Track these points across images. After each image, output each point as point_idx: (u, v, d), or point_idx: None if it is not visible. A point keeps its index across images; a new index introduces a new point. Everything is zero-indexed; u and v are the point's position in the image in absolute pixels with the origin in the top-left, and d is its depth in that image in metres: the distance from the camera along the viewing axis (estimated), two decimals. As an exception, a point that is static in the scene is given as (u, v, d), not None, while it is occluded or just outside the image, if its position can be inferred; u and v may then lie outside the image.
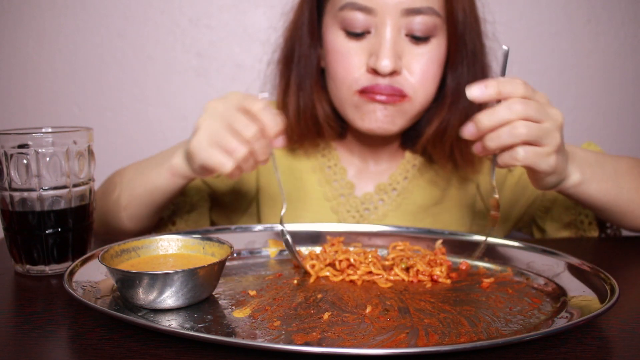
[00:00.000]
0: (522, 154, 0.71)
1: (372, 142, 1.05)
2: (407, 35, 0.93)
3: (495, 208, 0.77)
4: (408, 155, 1.07)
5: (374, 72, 0.92)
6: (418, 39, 0.93)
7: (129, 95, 1.52)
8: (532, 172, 0.77)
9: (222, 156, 0.74)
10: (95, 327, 0.60)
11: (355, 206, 1.05)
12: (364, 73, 0.94)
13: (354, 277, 0.74)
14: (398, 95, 0.93)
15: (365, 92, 0.94)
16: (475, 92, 0.71)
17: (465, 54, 0.97)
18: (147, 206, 0.93)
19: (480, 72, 1.00)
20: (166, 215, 1.05)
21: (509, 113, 0.69)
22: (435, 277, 0.74)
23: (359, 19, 0.92)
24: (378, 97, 0.93)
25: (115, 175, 1.00)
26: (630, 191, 0.89)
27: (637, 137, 1.58)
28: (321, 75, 1.02)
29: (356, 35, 0.93)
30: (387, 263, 0.78)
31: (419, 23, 0.91)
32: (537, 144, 0.71)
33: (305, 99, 1.01)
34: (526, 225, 1.13)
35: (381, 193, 1.06)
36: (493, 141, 0.71)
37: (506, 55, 0.73)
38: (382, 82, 0.92)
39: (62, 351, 0.56)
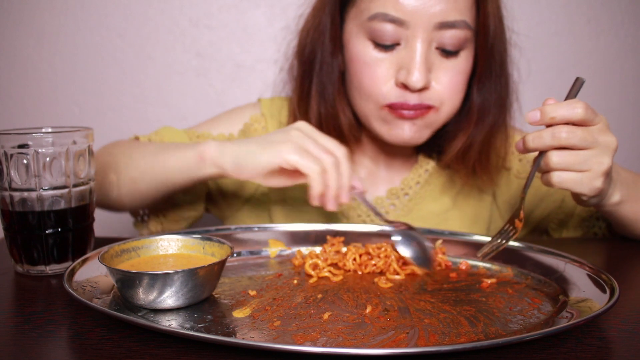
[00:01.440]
0: (556, 179, 0.74)
1: (388, 147, 1.04)
2: (437, 48, 0.90)
3: (522, 217, 0.78)
4: (421, 159, 1.06)
5: (404, 86, 0.90)
6: (448, 53, 0.90)
7: (129, 95, 1.52)
8: (573, 193, 0.79)
9: (310, 162, 0.77)
10: (95, 327, 0.60)
11: (365, 210, 1.03)
12: (393, 87, 0.91)
13: (370, 269, 0.77)
14: (425, 108, 0.92)
15: (394, 108, 0.91)
16: (531, 117, 0.74)
17: (493, 67, 0.95)
18: (157, 187, 0.91)
19: (505, 84, 0.98)
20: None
21: (552, 140, 0.72)
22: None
23: (389, 30, 0.88)
24: (407, 113, 0.91)
25: (114, 148, 0.97)
26: None
27: (637, 137, 1.58)
28: (342, 83, 0.99)
29: (385, 47, 0.90)
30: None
31: (451, 37, 0.88)
32: (575, 170, 0.73)
33: (327, 107, 0.98)
34: (538, 234, 1.12)
35: (392, 198, 1.04)
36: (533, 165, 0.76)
37: (580, 85, 0.76)
38: (412, 98, 0.90)
39: (62, 351, 0.56)
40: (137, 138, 1.05)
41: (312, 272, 0.75)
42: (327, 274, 0.75)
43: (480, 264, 0.80)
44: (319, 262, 0.77)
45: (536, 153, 0.76)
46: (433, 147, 1.03)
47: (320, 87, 0.98)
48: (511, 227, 0.79)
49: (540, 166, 0.75)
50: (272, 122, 1.07)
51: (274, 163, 0.79)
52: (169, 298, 0.62)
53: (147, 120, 1.53)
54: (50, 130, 0.79)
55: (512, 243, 0.82)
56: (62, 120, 1.49)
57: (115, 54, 1.50)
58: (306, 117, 1.00)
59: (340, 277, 0.75)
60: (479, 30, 0.92)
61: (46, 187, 0.75)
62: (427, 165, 1.05)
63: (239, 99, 1.49)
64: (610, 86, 1.54)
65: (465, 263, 0.80)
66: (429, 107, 0.92)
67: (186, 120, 1.52)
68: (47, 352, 0.55)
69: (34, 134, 0.75)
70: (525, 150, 0.75)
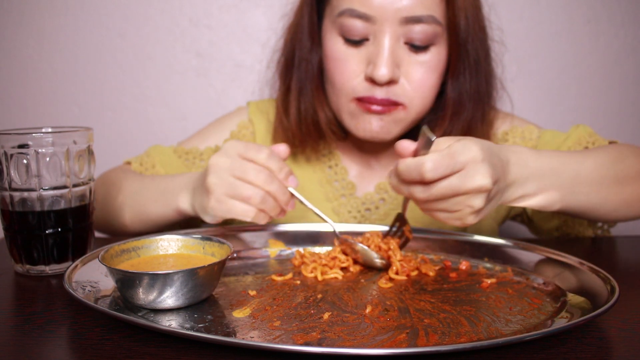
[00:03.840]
0: (428, 214, 0.72)
1: (373, 144, 1.05)
2: (406, 43, 0.91)
3: (410, 230, 0.80)
4: None
5: (372, 81, 0.91)
6: (417, 48, 0.91)
7: (129, 95, 1.52)
8: None
9: (242, 205, 0.77)
10: (95, 327, 0.60)
11: (356, 206, 1.05)
12: (362, 81, 0.93)
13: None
14: (393, 105, 0.93)
15: (362, 101, 0.93)
16: (400, 147, 0.69)
17: (467, 63, 0.95)
18: (151, 228, 0.96)
19: (485, 81, 0.98)
20: None
21: (411, 197, 0.69)
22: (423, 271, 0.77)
23: (357, 26, 0.90)
24: (373, 108, 0.93)
25: (115, 181, 0.99)
26: (589, 195, 0.81)
27: (637, 137, 1.57)
28: (322, 79, 1.02)
29: (354, 42, 0.92)
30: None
31: (419, 32, 0.89)
32: (441, 211, 0.69)
33: (306, 103, 1.01)
34: (519, 215, 1.11)
35: (382, 192, 1.05)
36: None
37: (427, 141, 0.66)
38: (379, 92, 0.92)
39: (62, 351, 0.56)
40: (128, 163, 1.08)
41: (317, 275, 0.75)
42: (332, 275, 0.76)
43: (481, 263, 0.80)
44: (318, 266, 0.77)
45: None
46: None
47: (300, 84, 1.01)
48: (401, 234, 0.80)
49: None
50: (260, 125, 1.10)
51: (220, 218, 0.81)
52: (169, 298, 0.62)
53: (147, 120, 1.53)
54: (50, 130, 0.79)
55: (512, 243, 0.82)
56: (62, 120, 1.49)
57: (115, 54, 1.50)
58: (287, 115, 1.02)
59: (340, 275, 0.75)
60: (449, 26, 0.92)
61: (46, 187, 0.75)
62: None
63: (239, 99, 1.49)
64: (610, 86, 1.54)
65: (466, 263, 0.80)
66: (396, 104, 0.93)
67: (186, 120, 1.52)
68: (47, 352, 0.55)
69: (34, 134, 0.75)
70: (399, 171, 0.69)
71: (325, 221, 0.82)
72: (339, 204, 1.05)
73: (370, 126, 0.94)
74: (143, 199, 0.94)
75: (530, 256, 0.79)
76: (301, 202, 0.81)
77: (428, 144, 0.65)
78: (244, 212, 0.77)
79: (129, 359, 0.53)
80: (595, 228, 1.03)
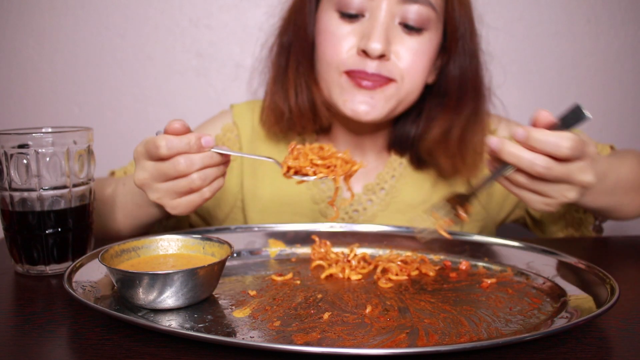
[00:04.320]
0: (515, 190, 0.72)
1: (359, 141, 1.05)
2: (400, 23, 0.93)
3: (468, 211, 0.75)
4: (394, 153, 1.07)
5: (364, 53, 0.92)
6: (410, 29, 0.93)
7: (129, 95, 1.52)
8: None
9: (193, 196, 0.75)
10: (95, 327, 0.60)
11: (343, 208, 1.04)
12: (353, 54, 0.93)
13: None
14: (384, 80, 0.93)
15: (352, 75, 0.93)
16: (518, 136, 0.68)
17: (463, 55, 0.97)
18: (143, 227, 0.95)
19: (475, 74, 0.99)
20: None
21: (527, 166, 0.68)
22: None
23: (355, 1, 0.92)
24: (364, 83, 0.93)
25: (105, 187, 0.98)
26: (621, 197, 0.91)
27: (637, 137, 1.57)
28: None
29: (350, 16, 0.93)
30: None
31: (414, 13, 0.91)
32: (537, 193, 0.71)
33: (302, 84, 1.00)
34: (521, 217, 1.12)
35: (369, 193, 1.05)
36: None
37: (578, 116, 0.69)
38: (370, 66, 0.92)
39: (62, 351, 0.56)
40: (112, 173, 1.08)
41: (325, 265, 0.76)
42: (351, 275, 0.75)
43: (480, 263, 0.80)
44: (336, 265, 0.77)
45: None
46: (405, 145, 1.04)
47: (296, 63, 1.00)
48: (452, 216, 0.75)
49: (504, 173, 0.71)
50: (245, 128, 1.09)
51: (189, 213, 0.79)
52: (169, 298, 0.62)
53: (147, 120, 1.53)
54: (50, 130, 0.79)
55: (512, 243, 0.82)
56: (62, 120, 1.49)
57: (115, 54, 1.50)
58: (285, 93, 1.01)
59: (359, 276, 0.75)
60: (445, 16, 0.95)
61: (46, 187, 0.75)
62: (400, 159, 1.06)
63: (238, 99, 1.49)
64: (610, 86, 1.54)
65: (466, 263, 0.80)
66: (387, 79, 0.93)
67: (186, 120, 1.52)
68: (47, 352, 0.55)
69: (34, 134, 0.75)
70: (498, 155, 0.70)
71: (267, 160, 0.78)
72: (326, 206, 1.04)
73: (359, 106, 0.94)
74: (129, 207, 0.93)
75: (530, 256, 0.79)
76: (232, 154, 0.76)
77: (576, 119, 0.68)
78: (200, 197, 0.76)
79: (129, 359, 0.53)
80: (600, 231, 1.05)
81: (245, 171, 1.07)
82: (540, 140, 0.67)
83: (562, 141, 0.66)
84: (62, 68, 1.50)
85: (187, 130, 0.75)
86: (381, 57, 0.91)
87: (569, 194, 0.70)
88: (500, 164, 0.71)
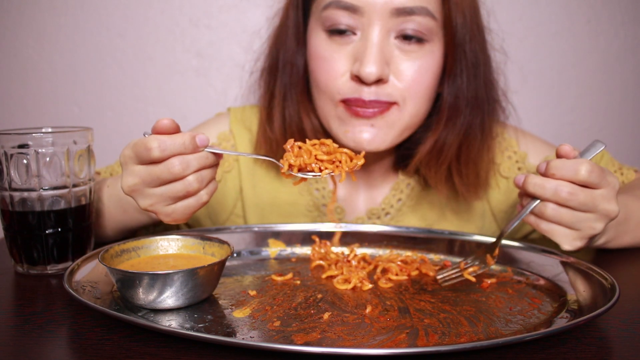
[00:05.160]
0: (544, 227, 0.74)
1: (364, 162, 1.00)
2: (397, 38, 0.84)
3: (496, 254, 0.76)
4: (401, 175, 1.00)
5: (358, 79, 0.84)
6: (409, 44, 0.84)
7: (129, 95, 1.52)
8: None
9: (189, 200, 0.69)
10: (95, 327, 0.60)
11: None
12: (347, 81, 0.85)
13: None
14: (384, 105, 0.85)
15: (349, 105, 0.86)
16: (539, 169, 0.74)
17: (465, 65, 0.88)
18: (129, 232, 0.92)
19: (484, 86, 0.91)
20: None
21: (553, 195, 0.71)
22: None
23: (343, 19, 0.83)
24: (362, 112, 0.85)
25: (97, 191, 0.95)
26: None
27: (637, 137, 1.57)
28: (308, 85, 0.94)
29: (339, 33, 0.85)
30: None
31: (412, 25, 0.82)
32: (565, 226, 0.73)
33: (290, 110, 0.93)
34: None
35: (373, 218, 0.99)
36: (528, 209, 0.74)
37: (597, 150, 0.75)
38: (367, 92, 0.84)
39: (62, 351, 0.56)
40: (97, 173, 1.02)
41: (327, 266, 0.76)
42: (358, 284, 0.73)
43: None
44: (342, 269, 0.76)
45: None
46: (409, 161, 0.96)
47: (284, 89, 0.93)
48: (479, 261, 0.76)
49: (531, 210, 0.73)
50: (242, 137, 1.02)
51: (183, 221, 0.73)
52: (169, 298, 0.62)
53: (147, 120, 1.53)
54: (50, 130, 0.79)
55: (512, 243, 0.82)
56: (62, 120, 1.49)
57: (115, 54, 1.50)
58: (270, 123, 0.94)
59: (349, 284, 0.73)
60: (445, 22, 0.86)
61: (46, 187, 0.75)
62: (408, 179, 0.99)
63: (239, 99, 1.49)
64: (610, 86, 1.54)
65: (466, 263, 0.80)
66: (388, 104, 0.85)
67: (186, 120, 1.52)
68: (47, 352, 0.55)
69: (34, 134, 0.75)
70: (523, 190, 0.74)
71: (265, 159, 0.75)
72: (325, 214, 0.99)
73: (361, 135, 0.86)
74: (113, 212, 0.88)
75: (530, 256, 0.79)
76: (227, 153, 0.71)
77: (594, 150, 0.74)
78: (197, 201, 0.68)
79: (129, 359, 0.53)
80: None
81: (244, 175, 1.02)
82: (560, 167, 0.71)
83: (580, 165, 0.70)
84: (62, 68, 1.50)
85: (177, 128, 0.68)
86: (378, 81, 0.84)
87: (596, 225, 0.72)
88: (528, 200, 0.74)
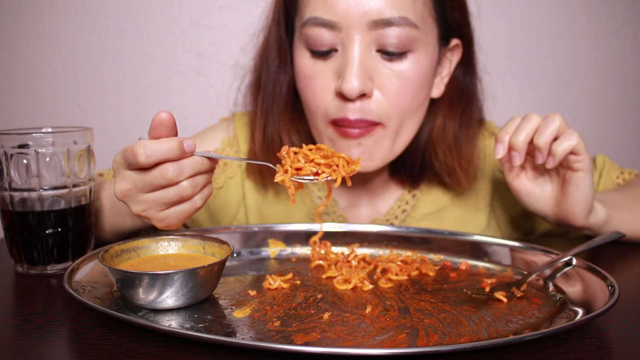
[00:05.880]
0: (570, 141, 0.78)
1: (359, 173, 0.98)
2: (378, 51, 0.82)
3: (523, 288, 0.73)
4: (408, 186, 1.00)
5: (342, 97, 0.82)
6: (391, 55, 0.82)
7: (129, 95, 1.52)
8: (573, 182, 0.81)
9: (183, 206, 0.67)
10: (95, 327, 0.60)
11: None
12: (333, 99, 0.84)
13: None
14: (370, 125, 0.84)
15: (337, 125, 0.85)
16: (497, 153, 0.79)
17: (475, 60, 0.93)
18: (124, 235, 0.90)
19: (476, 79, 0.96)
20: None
21: (529, 123, 0.76)
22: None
23: (323, 36, 0.82)
24: (350, 132, 0.84)
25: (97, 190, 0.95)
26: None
27: (637, 137, 1.58)
28: (293, 102, 0.93)
29: (322, 54, 0.84)
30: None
31: (392, 37, 0.80)
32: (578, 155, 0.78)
33: (271, 128, 0.92)
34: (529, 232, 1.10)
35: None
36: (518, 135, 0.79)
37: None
38: (352, 112, 0.83)
39: (62, 351, 0.56)
40: (100, 175, 1.02)
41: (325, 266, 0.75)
42: (358, 284, 0.73)
43: (480, 263, 0.80)
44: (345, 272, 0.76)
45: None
46: (412, 173, 0.97)
47: (265, 107, 0.92)
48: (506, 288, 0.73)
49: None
50: (245, 145, 1.01)
51: (177, 227, 0.71)
52: (169, 298, 0.62)
53: (147, 120, 1.52)
54: (50, 130, 0.79)
55: (512, 243, 0.82)
56: (62, 120, 1.49)
57: (115, 54, 1.50)
58: (253, 140, 0.94)
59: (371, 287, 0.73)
60: (445, 23, 0.87)
61: (46, 187, 0.75)
62: (414, 190, 0.99)
63: (238, 99, 1.49)
64: (610, 86, 1.55)
65: (465, 263, 0.80)
66: (373, 123, 0.84)
67: (186, 120, 1.52)
68: (47, 352, 0.55)
69: (34, 134, 0.75)
70: (507, 148, 0.79)
71: (265, 164, 0.75)
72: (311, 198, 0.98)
73: (350, 153, 0.85)
74: (108, 215, 0.88)
75: (530, 256, 0.79)
76: (221, 158, 0.71)
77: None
78: (192, 207, 0.67)
79: (129, 359, 0.53)
80: None
81: (246, 181, 1.01)
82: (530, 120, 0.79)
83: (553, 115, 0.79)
84: (62, 68, 1.50)
85: (174, 123, 0.67)
86: (362, 95, 0.82)
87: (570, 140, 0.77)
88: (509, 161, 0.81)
